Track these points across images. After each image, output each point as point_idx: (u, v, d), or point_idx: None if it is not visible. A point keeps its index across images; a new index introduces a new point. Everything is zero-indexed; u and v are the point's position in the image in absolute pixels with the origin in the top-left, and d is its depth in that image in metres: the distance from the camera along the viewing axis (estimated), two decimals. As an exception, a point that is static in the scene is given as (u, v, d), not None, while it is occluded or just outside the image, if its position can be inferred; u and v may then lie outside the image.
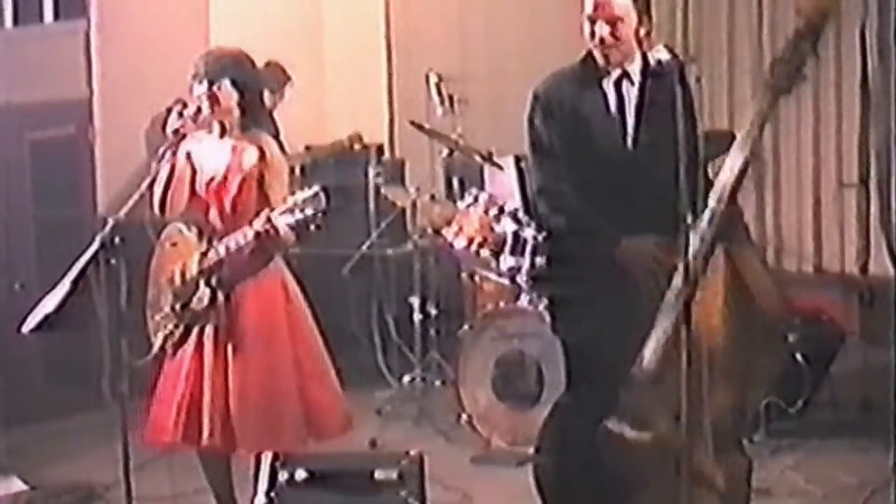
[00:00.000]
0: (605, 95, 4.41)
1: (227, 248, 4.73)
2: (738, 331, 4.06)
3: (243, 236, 4.67)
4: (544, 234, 4.71)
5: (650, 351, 4.14)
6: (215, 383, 4.81)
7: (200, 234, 4.88)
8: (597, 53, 4.38)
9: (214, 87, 4.82)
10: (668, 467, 4.12)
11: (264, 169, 4.87)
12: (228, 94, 4.86)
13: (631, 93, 4.42)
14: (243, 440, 4.83)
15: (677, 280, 4.01)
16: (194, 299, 4.83)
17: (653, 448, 4.23)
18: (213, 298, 4.82)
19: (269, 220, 4.55)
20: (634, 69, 4.41)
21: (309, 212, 4.46)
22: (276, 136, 7.69)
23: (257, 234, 4.61)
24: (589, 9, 4.35)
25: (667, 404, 4.14)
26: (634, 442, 4.27)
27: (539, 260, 6.08)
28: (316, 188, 4.50)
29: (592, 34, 4.36)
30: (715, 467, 4.13)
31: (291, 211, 4.49)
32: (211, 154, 4.93)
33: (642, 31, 4.37)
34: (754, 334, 4.07)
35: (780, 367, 4.12)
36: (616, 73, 4.41)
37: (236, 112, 4.89)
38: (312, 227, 4.49)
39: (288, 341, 4.90)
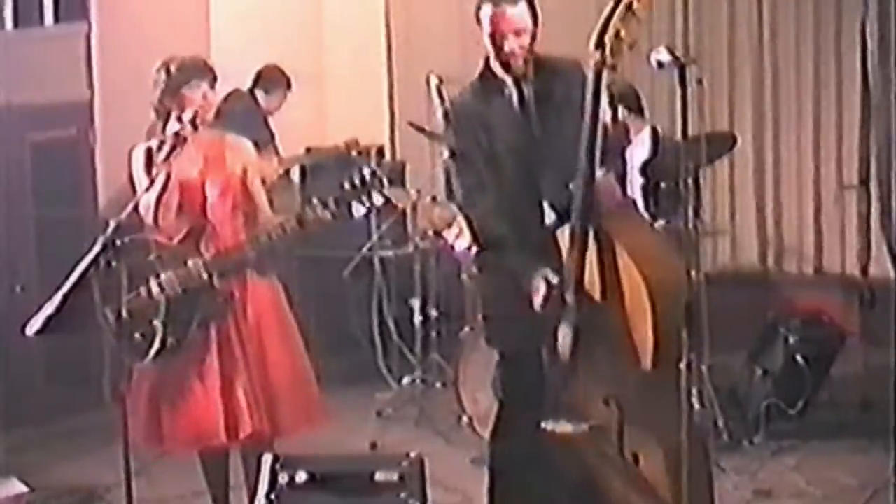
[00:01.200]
0: (508, 97, 4.59)
1: (260, 240, 4.82)
2: (619, 299, 4.14)
3: (280, 228, 4.77)
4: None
5: (561, 341, 4.32)
6: (251, 375, 4.90)
7: (195, 238, 4.89)
8: (501, 64, 4.54)
9: (216, 88, 4.93)
10: (609, 453, 4.28)
11: (245, 163, 5.00)
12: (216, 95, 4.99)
13: (529, 89, 4.58)
14: (284, 425, 4.96)
15: (568, 264, 4.23)
16: (206, 300, 4.85)
17: (591, 437, 4.35)
18: (231, 296, 4.89)
19: (322, 201, 4.72)
20: (529, 68, 4.57)
21: (372, 189, 4.77)
22: (272, 140, 7.73)
23: (301, 221, 4.74)
24: (498, 26, 4.50)
25: (594, 390, 4.32)
26: (574, 435, 4.39)
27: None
28: (370, 168, 4.73)
29: (501, 48, 4.51)
30: (646, 444, 4.18)
31: (351, 190, 4.73)
32: (186, 156, 4.94)
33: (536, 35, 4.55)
34: (635, 300, 4.11)
35: (676, 326, 4.11)
36: (511, 77, 4.58)
37: (212, 114, 4.99)
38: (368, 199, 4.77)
39: (294, 328, 5.06)
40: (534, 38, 4.53)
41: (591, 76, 4.09)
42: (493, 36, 4.52)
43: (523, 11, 4.49)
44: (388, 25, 9.17)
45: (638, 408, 4.20)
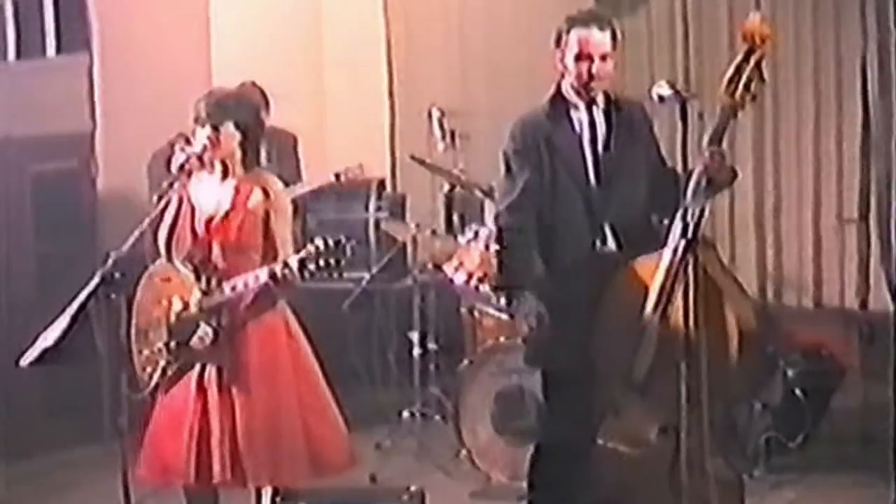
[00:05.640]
0: (578, 120, 4.70)
1: (234, 288, 4.75)
2: (714, 339, 4.17)
3: (255, 278, 4.69)
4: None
5: (638, 364, 4.38)
6: (222, 421, 4.82)
7: (198, 273, 4.87)
8: (578, 89, 4.66)
9: (217, 131, 4.84)
10: (659, 481, 4.33)
11: (269, 208, 4.89)
12: (231, 136, 4.88)
13: (599, 117, 4.70)
14: (252, 476, 4.85)
15: (654, 294, 4.32)
16: (194, 338, 4.83)
17: (644, 462, 4.42)
18: (216, 338, 4.82)
19: (286, 264, 4.57)
20: (599, 97, 4.71)
21: (332, 261, 4.52)
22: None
23: (273, 276, 4.63)
24: (583, 48, 4.61)
25: (655, 417, 4.39)
26: (627, 457, 4.46)
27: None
28: (340, 237, 4.55)
29: (580, 73, 4.62)
30: (703, 480, 4.21)
31: (314, 258, 4.54)
32: (211, 194, 4.94)
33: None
34: (729, 343, 4.20)
35: (756, 378, 4.17)
36: (584, 102, 4.70)
37: (238, 153, 4.91)
38: (330, 274, 4.55)
39: (291, 378, 4.92)
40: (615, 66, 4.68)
41: (720, 115, 4.27)
42: (578, 58, 4.61)
43: (608, 38, 4.63)
44: (389, 59, 9.19)
45: (696, 439, 4.21)
